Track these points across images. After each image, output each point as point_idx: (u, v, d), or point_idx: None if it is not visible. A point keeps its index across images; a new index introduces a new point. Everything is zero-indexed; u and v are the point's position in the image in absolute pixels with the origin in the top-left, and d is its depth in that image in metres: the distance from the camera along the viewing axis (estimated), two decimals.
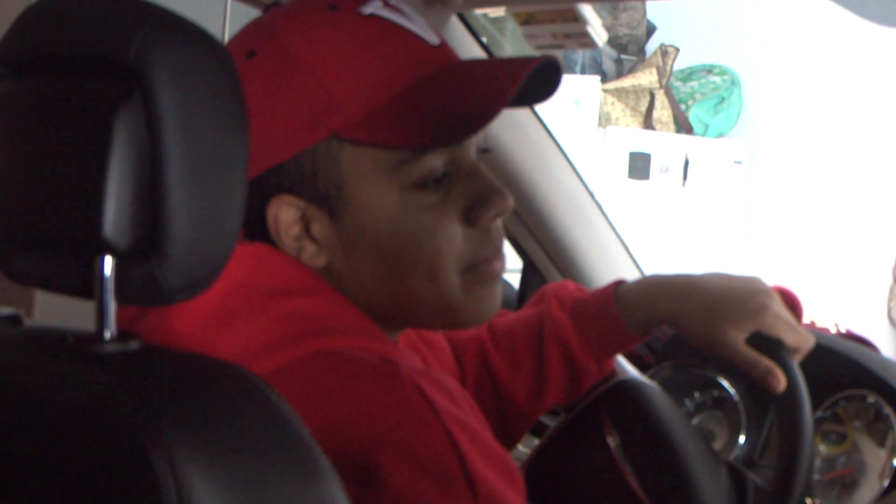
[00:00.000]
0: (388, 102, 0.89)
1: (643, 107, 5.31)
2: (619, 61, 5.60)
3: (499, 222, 0.95)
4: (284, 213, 0.91)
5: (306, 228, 0.92)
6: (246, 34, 0.94)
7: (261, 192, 0.90)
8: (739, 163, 5.13)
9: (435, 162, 0.90)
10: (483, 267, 0.94)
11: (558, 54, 5.24)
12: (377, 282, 0.92)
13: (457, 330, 1.18)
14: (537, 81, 0.93)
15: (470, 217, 0.92)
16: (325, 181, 0.90)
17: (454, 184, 0.92)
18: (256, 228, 0.91)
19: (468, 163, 0.93)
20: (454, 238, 0.91)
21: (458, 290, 0.93)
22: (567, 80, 5.12)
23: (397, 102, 0.89)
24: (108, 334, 0.68)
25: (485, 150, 0.97)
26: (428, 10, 1.43)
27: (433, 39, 0.93)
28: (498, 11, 1.57)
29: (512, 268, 1.60)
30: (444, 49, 0.94)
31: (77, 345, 0.68)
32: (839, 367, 1.39)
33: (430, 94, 0.89)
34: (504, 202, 0.92)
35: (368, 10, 0.91)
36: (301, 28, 0.91)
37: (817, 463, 1.36)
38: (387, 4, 0.92)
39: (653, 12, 5.60)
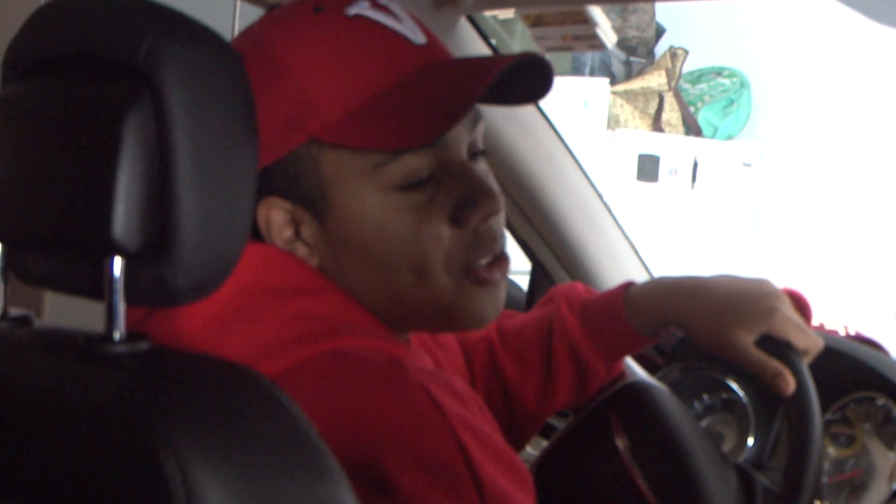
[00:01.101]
0: (365, 105, 0.88)
1: (652, 109, 5.31)
2: (628, 63, 5.60)
3: (492, 224, 0.93)
4: (275, 216, 0.91)
5: (297, 231, 0.92)
6: (238, 39, 0.94)
7: None
8: (748, 165, 5.12)
9: (416, 163, 0.89)
10: (478, 271, 0.93)
11: (567, 56, 5.24)
12: (367, 283, 0.92)
13: (456, 332, 1.18)
14: (530, 78, 0.92)
15: (457, 218, 0.91)
16: (308, 185, 0.90)
17: (441, 185, 0.91)
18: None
19: (456, 163, 0.92)
20: (440, 239, 0.90)
21: (450, 293, 0.92)
22: (576, 82, 5.13)
23: (373, 104, 0.88)
24: (117, 335, 0.68)
25: (482, 153, 0.96)
26: (437, 11, 1.43)
27: (419, 39, 0.92)
28: (507, 13, 1.57)
29: (521, 269, 1.60)
30: (430, 48, 0.93)
31: (86, 345, 0.69)
32: (848, 369, 1.38)
33: (404, 94, 0.88)
34: (493, 203, 0.91)
35: (353, 11, 0.91)
36: (283, 31, 0.91)
37: (826, 465, 1.36)
38: (375, 4, 0.92)
39: (662, 14, 5.59)
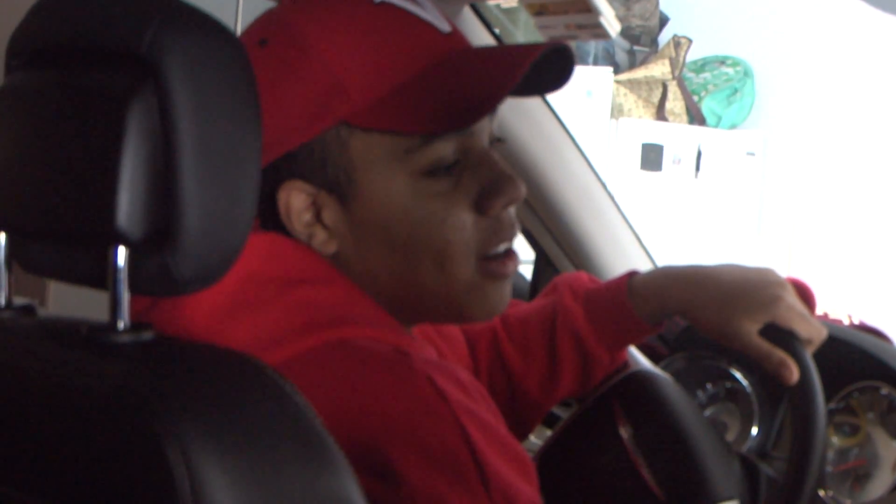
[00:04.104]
0: (396, 89, 0.89)
1: (656, 98, 5.30)
2: (631, 52, 5.58)
3: (511, 211, 0.94)
4: (296, 199, 0.91)
5: (317, 215, 0.92)
6: (260, 22, 0.95)
7: (272, 178, 0.90)
8: (752, 154, 5.11)
9: (444, 149, 0.90)
10: (493, 265, 0.94)
11: (571, 45, 5.23)
12: (387, 270, 0.92)
13: (465, 324, 1.18)
14: (549, 69, 0.92)
15: (481, 205, 0.92)
16: (334, 168, 0.90)
17: (465, 171, 0.92)
18: (268, 214, 0.91)
19: (480, 150, 0.93)
20: (464, 226, 0.91)
21: (466, 282, 0.93)
22: (580, 71, 5.10)
23: (404, 89, 0.89)
24: (121, 324, 0.68)
25: (499, 140, 0.97)
26: (441, 0, 1.42)
27: (444, 27, 0.93)
28: (511, 2, 1.56)
29: (524, 259, 1.60)
30: (455, 36, 0.94)
31: (91, 335, 0.69)
32: (852, 358, 1.38)
33: (437, 80, 0.89)
34: (515, 190, 0.92)
35: None
36: (312, 16, 0.91)
37: (830, 455, 1.36)
38: None
39: (666, 3, 5.58)
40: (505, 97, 0.87)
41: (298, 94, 0.89)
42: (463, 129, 0.90)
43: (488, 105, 0.87)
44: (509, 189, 0.92)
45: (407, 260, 0.91)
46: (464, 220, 0.91)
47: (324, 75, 0.89)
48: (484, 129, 0.94)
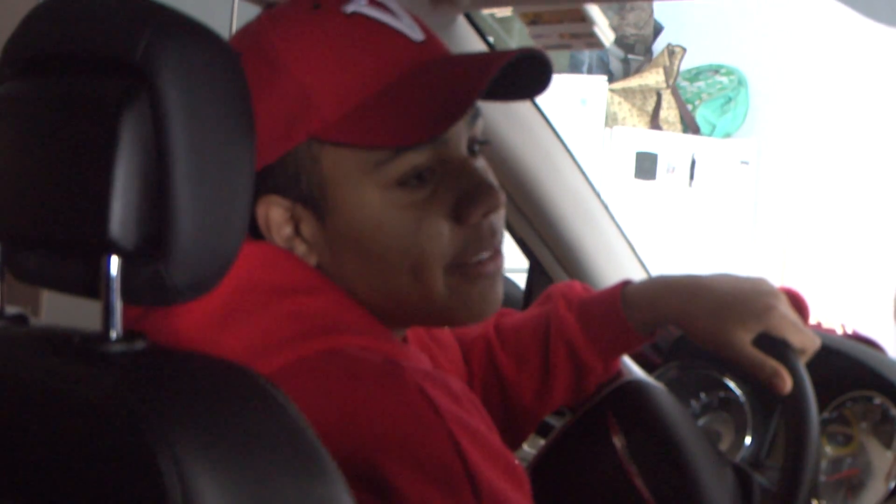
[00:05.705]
0: (364, 102, 0.88)
1: (650, 107, 5.31)
2: (625, 61, 5.60)
3: (492, 220, 0.93)
4: (274, 213, 0.91)
5: (297, 228, 0.92)
6: (237, 37, 0.94)
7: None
8: (746, 163, 5.12)
9: (417, 159, 0.89)
10: (471, 267, 0.93)
11: (565, 53, 5.24)
12: (365, 281, 0.92)
13: (454, 327, 1.18)
14: (528, 74, 0.92)
15: (458, 214, 0.90)
16: (308, 183, 0.90)
17: (442, 181, 0.91)
18: (250, 227, 0.91)
19: (457, 159, 0.92)
20: (440, 236, 0.90)
21: (443, 289, 0.92)
22: (574, 80, 5.13)
23: (373, 102, 0.88)
24: (114, 334, 0.68)
25: (483, 143, 0.96)
26: (435, 9, 1.43)
27: (417, 36, 0.92)
28: (505, 11, 1.57)
29: (518, 268, 1.60)
30: (429, 45, 0.93)
31: (83, 344, 0.68)
32: (845, 368, 1.38)
33: (404, 91, 0.88)
34: (493, 199, 0.91)
35: (351, 8, 0.91)
36: (282, 30, 0.90)
37: (823, 464, 1.36)
38: (372, 2, 0.92)
39: (660, 12, 5.59)
40: (473, 105, 0.86)
41: (270, 109, 0.88)
42: (433, 139, 0.90)
43: (456, 114, 0.86)
44: (487, 197, 0.91)
45: (383, 271, 0.91)
46: (439, 230, 0.90)
47: (294, 90, 0.88)
48: (461, 136, 0.92)
